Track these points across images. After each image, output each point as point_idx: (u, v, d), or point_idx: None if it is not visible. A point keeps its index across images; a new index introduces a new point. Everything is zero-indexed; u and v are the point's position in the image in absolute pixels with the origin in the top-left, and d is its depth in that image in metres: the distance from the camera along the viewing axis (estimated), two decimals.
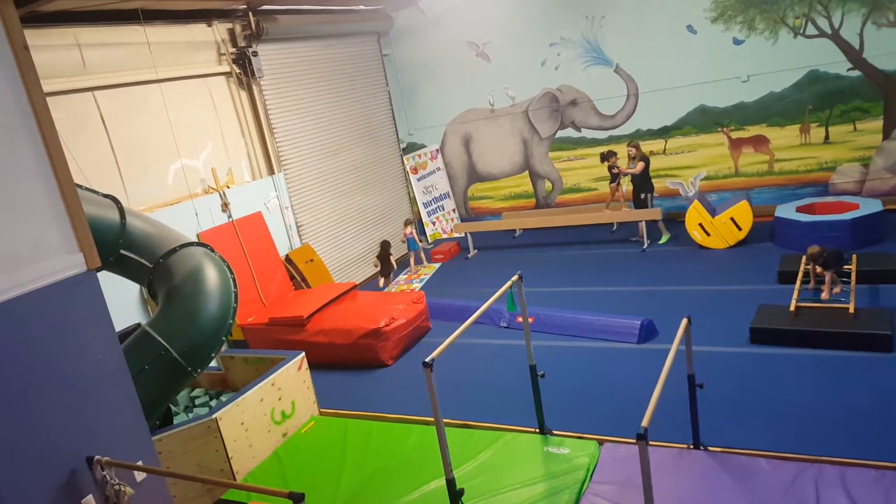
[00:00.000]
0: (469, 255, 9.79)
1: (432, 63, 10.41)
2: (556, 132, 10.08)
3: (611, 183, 9.20)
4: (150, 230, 4.97)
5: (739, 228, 7.97)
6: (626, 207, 9.00)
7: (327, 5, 9.09)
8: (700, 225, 8.17)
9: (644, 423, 2.66)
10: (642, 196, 8.65)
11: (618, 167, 8.81)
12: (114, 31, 6.39)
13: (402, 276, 9.46)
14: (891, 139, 8.17)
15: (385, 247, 9.07)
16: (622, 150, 9.04)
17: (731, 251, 7.98)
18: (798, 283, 6.07)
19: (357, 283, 8.89)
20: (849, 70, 8.10)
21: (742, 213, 7.94)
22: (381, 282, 9.05)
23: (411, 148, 10.90)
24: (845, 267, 6.21)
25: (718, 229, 8.07)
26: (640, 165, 8.44)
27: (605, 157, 8.99)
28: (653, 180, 8.73)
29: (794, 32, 8.23)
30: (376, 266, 9.21)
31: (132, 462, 3.12)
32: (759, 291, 6.54)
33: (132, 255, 4.80)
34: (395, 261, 9.39)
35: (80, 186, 4.44)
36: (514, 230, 10.38)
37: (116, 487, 2.98)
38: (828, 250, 5.99)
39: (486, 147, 10.64)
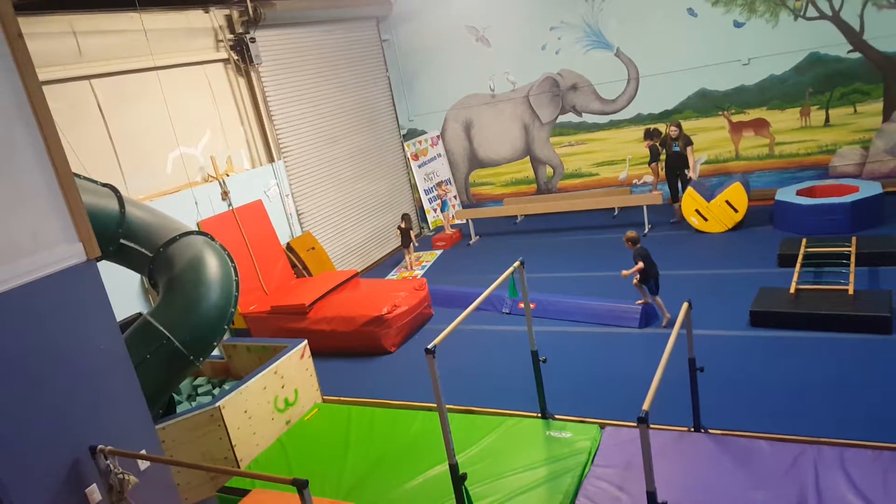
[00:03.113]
0: (471, 242, 9.78)
1: (432, 48, 10.33)
2: (556, 117, 10.02)
3: (650, 163, 9.10)
4: (149, 219, 4.96)
5: (736, 210, 7.96)
6: (656, 190, 8.89)
7: None
8: (697, 211, 8.16)
9: (645, 406, 2.67)
10: (677, 174, 8.53)
11: (688, 168, 8.47)
12: (109, 18, 6.33)
13: (404, 263, 9.46)
14: (891, 121, 8.12)
15: (405, 219, 9.16)
16: (628, 134, 8.96)
17: (731, 235, 7.97)
18: (798, 265, 6.07)
19: (359, 270, 8.90)
20: (849, 52, 8.03)
21: (736, 195, 7.93)
22: (406, 256, 9.16)
23: (412, 134, 10.85)
24: (844, 249, 6.21)
25: (715, 213, 8.07)
26: (691, 153, 8.37)
27: (649, 135, 8.81)
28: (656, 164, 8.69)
29: (794, 15, 8.15)
30: (398, 237, 9.32)
31: (135, 451, 3.14)
32: (759, 275, 6.54)
33: (132, 245, 4.79)
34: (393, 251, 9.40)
35: (79, 176, 4.43)
36: (516, 216, 10.36)
37: (120, 476, 2.99)
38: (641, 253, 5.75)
39: (487, 133, 10.58)
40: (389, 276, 9.24)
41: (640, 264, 5.75)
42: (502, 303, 6.95)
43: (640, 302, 6.09)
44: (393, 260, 9.81)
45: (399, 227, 9.18)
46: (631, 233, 6.00)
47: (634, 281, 5.93)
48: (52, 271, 2.89)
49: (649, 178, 9.66)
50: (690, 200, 8.21)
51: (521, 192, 10.69)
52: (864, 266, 6.21)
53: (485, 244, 9.67)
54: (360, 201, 9.74)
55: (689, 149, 8.39)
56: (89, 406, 3.02)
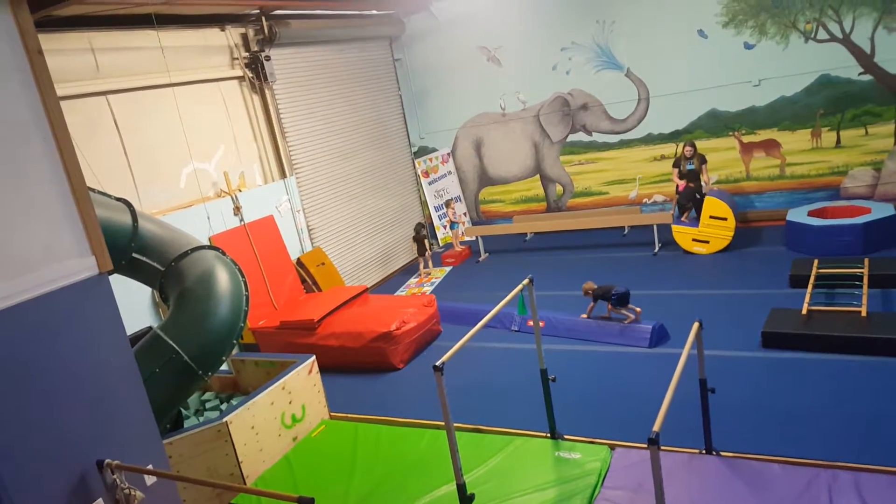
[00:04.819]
0: (480, 259, 9.77)
1: (444, 67, 10.44)
2: (567, 136, 10.05)
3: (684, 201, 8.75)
4: (161, 233, 5.00)
5: (724, 219, 7.94)
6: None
7: (339, 10, 9.14)
8: (694, 240, 8.21)
9: (656, 427, 2.63)
10: (698, 196, 8.38)
11: (705, 179, 8.43)
12: (127, 35, 6.46)
13: (412, 280, 9.47)
14: None
15: (418, 229, 9.39)
16: (638, 154, 8.93)
17: (742, 255, 7.92)
18: (810, 287, 6.01)
19: (368, 286, 8.91)
20: (860, 74, 8.03)
21: (714, 206, 7.95)
22: (422, 264, 9.39)
23: (423, 152, 10.91)
24: (857, 270, 6.15)
25: (709, 232, 8.08)
26: (706, 171, 8.43)
27: (677, 164, 8.57)
28: (665, 184, 8.62)
29: (805, 37, 8.17)
30: (413, 248, 9.61)
31: (142, 466, 3.13)
32: (771, 295, 6.47)
33: (144, 259, 4.83)
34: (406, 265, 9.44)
35: (93, 190, 4.48)
36: (525, 234, 10.36)
37: (126, 491, 2.98)
38: (603, 288, 6.31)
39: (498, 151, 10.63)
40: (405, 285, 9.26)
41: (592, 304, 6.41)
42: (511, 320, 6.92)
43: (627, 321, 6.19)
44: (402, 277, 9.82)
45: (413, 238, 9.35)
46: (587, 285, 6.49)
47: (612, 311, 6.34)
48: (63, 284, 2.91)
49: (659, 198, 9.64)
50: (682, 236, 8.28)
51: (530, 210, 10.70)
52: (877, 288, 6.13)
53: (494, 261, 9.66)
54: (371, 218, 9.79)
55: (703, 167, 8.42)
56: (97, 420, 3.02)
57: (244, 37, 7.83)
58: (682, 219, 8.47)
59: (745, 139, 8.88)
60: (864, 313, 5.37)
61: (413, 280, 9.46)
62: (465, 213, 11.01)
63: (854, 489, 3.56)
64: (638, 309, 6.24)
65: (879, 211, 7.34)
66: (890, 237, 7.19)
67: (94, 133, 6.20)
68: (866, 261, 6.38)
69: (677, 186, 8.54)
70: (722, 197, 8.07)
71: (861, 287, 5.84)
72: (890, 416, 4.31)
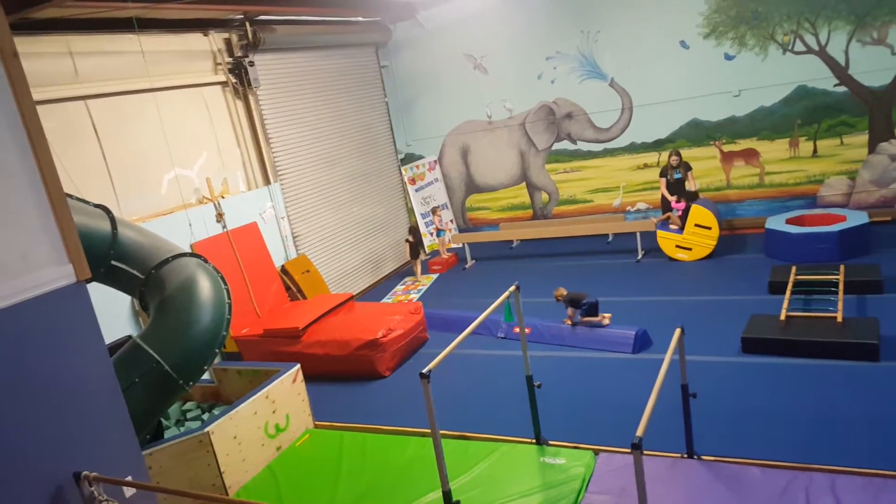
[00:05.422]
0: (467, 266, 9.78)
1: (430, 75, 10.48)
2: (552, 144, 10.13)
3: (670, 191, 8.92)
4: (142, 241, 4.93)
5: (709, 228, 8.05)
6: (654, 218, 8.90)
7: (325, 16, 9.14)
8: (678, 246, 8.30)
9: (639, 432, 2.65)
10: (679, 201, 8.54)
11: (691, 185, 8.60)
12: (107, 39, 6.39)
13: (399, 287, 9.45)
14: (876, 153, 8.27)
15: (411, 232, 9.53)
16: (622, 162, 9.01)
17: (722, 262, 8.02)
18: (788, 293, 6.11)
19: (354, 293, 8.88)
20: (835, 86, 8.21)
21: (700, 215, 8.06)
22: (415, 266, 9.53)
23: (409, 159, 10.93)
24: (833, 277, 6.27)
25: (693, 240, 8.18)
26: (692, 178, 8.60)
27: (664, 173, 8.73)
28: (648, 193, 8.71)
29: (782, 49, 8.34)
30: (406, 251, 9.76)
31: (121, 477, 3.07)
32: (750, 302, 6.57)
33: (123, 266, 4.75)
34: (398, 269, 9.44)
35: (71, 196, 4.42)
36: (512, 241, 10.40)
37: None
38: (572, 295, 6.52)
39: (484, 158, 10.68)
40: (391, 293, 9.23)
41: (570, 310, 6.51)
42: (498, 327, 6.93)
43: (606, 322, 6.38)
44: (388, 284, 9.79)
45: (407, 241, 9.48)
46: (557, 291, 6.66)
47: (581, 320, 6.51)
48: (40, 293, 2.85)
49: (643, 206, 9.74)
50: (666, 242, 8.37)
51: (517, 218, 10.75)
52: (852, 294, 6.26)
53: (481, 268, 9.68)
54: (357, 225, 9.76)
55: (689, 174, 8.55)
56: (74, 431, 2.96)
57: (228, 42, 7.79)
58: (670, 224, 8.52)
59: (726, 148, 9.02)
60: (839, 319, 5.47)
61: (400, 287, 9.44)
62: (451, 221, 11.03)
63: (830, 491, 3.62)
64: (608, 314, 6.43)
65: (854, 219, 7.50)
66: (864, 244, 7.36)
67: (73, 138, 6.11)
68: (842, 267, 6.50)
69: (669, 202, 8.60)
70: (708, 206, 8.17)
71: (837, 293, 5.95)
72: (864, 419, 4.39)
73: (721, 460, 4.10)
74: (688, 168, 8.57)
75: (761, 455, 4.13)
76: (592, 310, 6.43)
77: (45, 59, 5.87)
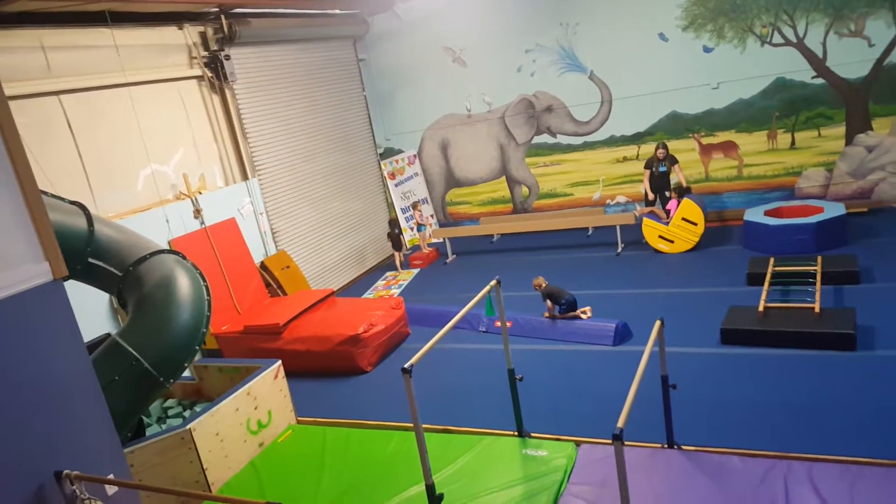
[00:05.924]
0: (447, 261, 9.79)
1: (409, 68, 10.42)
2: (532, 138, 10.16)
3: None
4: (119, 238, 4.87)
5: (695, 224, 8.15)
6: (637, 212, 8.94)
7: (301, 9, 9.04)
8: (661, 237, 8.37)
9: (620, 423, 2.68)
10: (666, 194, 8.68)
11: (680, 179, 8.69)
12: (80, 33, 6.25)
13: (380, 282, 9.43)
14: (853, 145, 8.42)
15: (392, 224, 9.67)
16: (602, 155, 9.08)
17: (701, 254, 8.12)
18: (766, 284, 6.22)
19: (335, 289, 8.84)
20: (813, 78, 8.34)
21: (690, 209, 8.14)
22: (397, 258, 9.64)
23: (388, 153, 10.88)
24: (810, 268, 6.38)
25: (677, 233, 8.26)
26: (679, 170, 8.67)
27: (649, 165, 8.79)
28: (628, 186, 8.77)
29: (761, 41, 8.45)
30: (388, 244, 9.96)
31: (103, 476, 3.04)
32: (729, 293, 6.67)
33: (101, 264, 4.69)
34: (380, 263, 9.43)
35: (46, 193, 4.34)
36: (492, 235, 10.42)
37: (87, 502, 2.90)
38: (551, 288, 6.64)
39: (464, 152, 10.67)
40: (372, 288, 9.21)
41: (549, 303, 6.60)
42: (479, 321, 6.95)
43: (586, 316, 6.52)
44: (369, 280, 9.76)
45: (388, 234, 9.59)
46: (536, 280, 6.75)
47: (559, 316, 6.61)
48: (16, 291, 2.81)
49: (622, 199, 9.83)
50: (650, 230, 8.43)
51: (497, 212, 10.77)
52: (830, 284, 6.37)
53: (461, 263, 9.69)
54: (336, 220, 9.70)
55: (675, 167, 8.63)
56: (55, 430, 2.92)
57: (203, 35, 7.67)
58: (655, 209, 8.58)
59: (705, 141, 9.13)
60: (817, 309, 5.57)
61: (381, 282, 9.42)
62: (431, 215, 11.02)
63: (808, 479, 3.71)
64: (588, 308, 6.56)
65: (831, 210, 7.63)
66: (841, 235, 7.49)
67: (47, 134, 5.98)
68: (819, 258, 6.62)
69: (648, 195, 8.67)
70: (698, 202, 8.21)
71: (814, 284, 6.07)
72: (840, 408, 4.49)
73: (701, 450, 4.18)
74: (674, 161, 8.63)
75: (741, 444, 4.20)
76: (571, 307, 6.54)
77: (16, 53, 5.73)
